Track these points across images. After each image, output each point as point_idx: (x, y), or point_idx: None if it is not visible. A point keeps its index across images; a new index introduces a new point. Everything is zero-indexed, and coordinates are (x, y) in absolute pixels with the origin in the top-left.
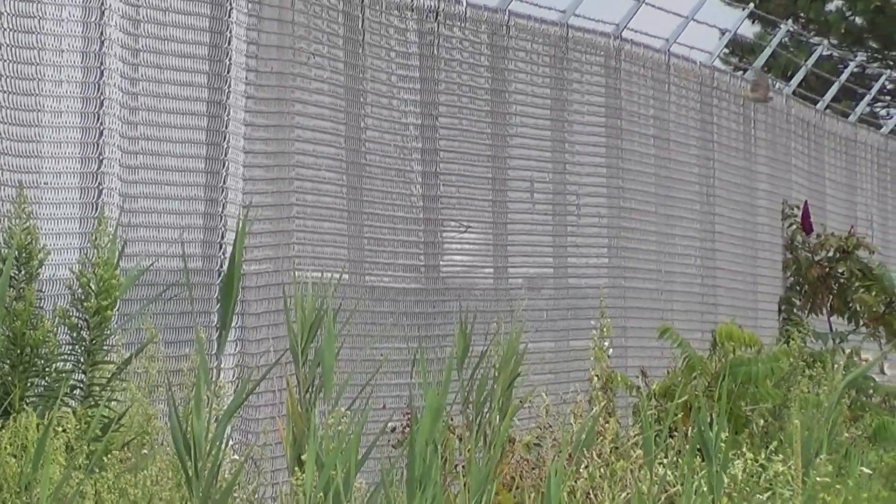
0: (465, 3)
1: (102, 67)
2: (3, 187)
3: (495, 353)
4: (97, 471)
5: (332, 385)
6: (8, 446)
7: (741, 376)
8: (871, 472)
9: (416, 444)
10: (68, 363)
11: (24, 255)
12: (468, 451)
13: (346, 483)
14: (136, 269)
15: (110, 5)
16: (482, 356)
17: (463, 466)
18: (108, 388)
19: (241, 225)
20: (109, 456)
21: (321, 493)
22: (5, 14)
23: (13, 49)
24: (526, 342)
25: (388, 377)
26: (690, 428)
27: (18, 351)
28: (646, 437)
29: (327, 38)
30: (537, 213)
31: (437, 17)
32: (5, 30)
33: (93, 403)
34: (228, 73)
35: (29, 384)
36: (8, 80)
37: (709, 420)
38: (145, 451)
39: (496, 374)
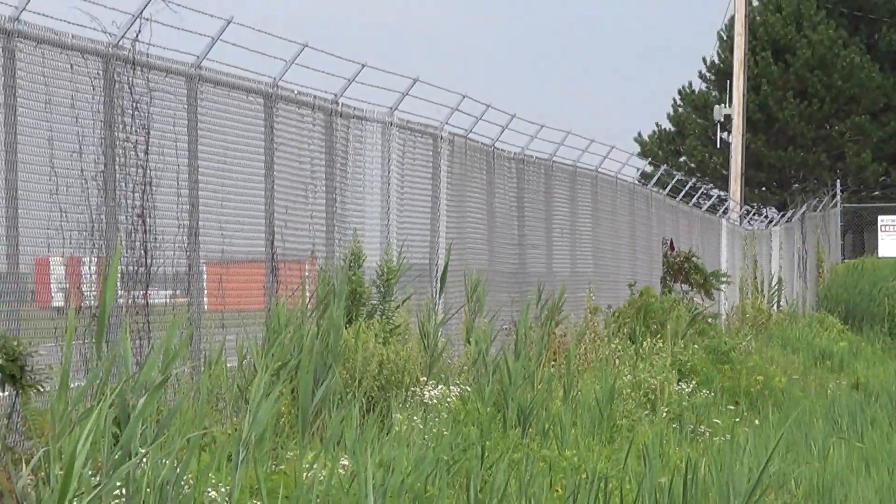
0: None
1: (388, 192)
2: (346, 232)
3: (560, 297)
4: (384, 344)
5: None
6: (362, 333)
7: (650, 306)
8: (699, 348)
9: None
10: (374, 301)
11: (355, 258)
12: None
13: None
14: (403, 267)
15: (391, 176)
16: (548, 300)
17: None
18: (393, 313)
19: (448, 247)
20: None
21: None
22: (350, 177)
23: (352, 188)
24: (565, 296)
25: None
26: (627, 328)
27: (356, 296)
28: (609, 331)
29: (474, 181)
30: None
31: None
32: (348, 181)
33: (385, 321)
34: (439, 184)
35: (359, 310)
36: (352, 194)
37: (634, 326)
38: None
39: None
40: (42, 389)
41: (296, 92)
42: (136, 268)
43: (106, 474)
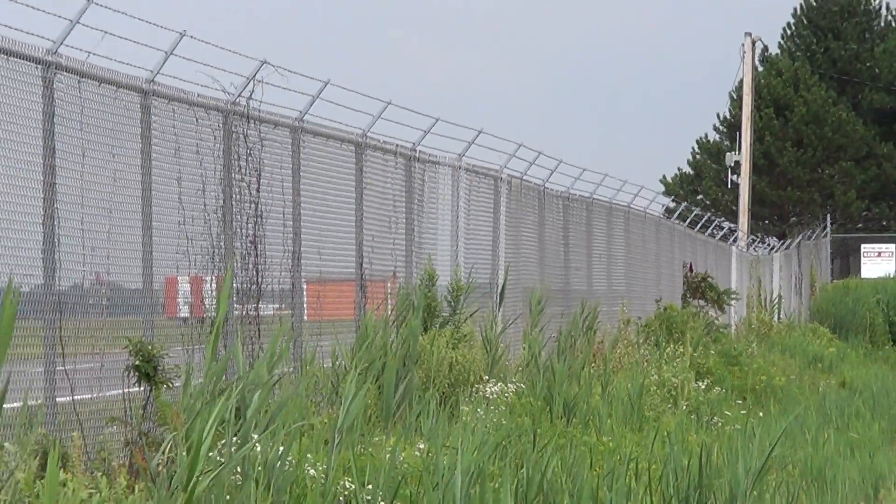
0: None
1: (457, 223)
2: (422, 256)
3: (597, 311)
4: (453, 349)
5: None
6: (435, 340)
7: (673, 318)
8: (713, 352)
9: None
10: (445, 314)
11: (430, 278)
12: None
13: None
14: (470, 285)
15: (459, 210)
16: (589, 313)
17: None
18: (462, 324)
19: (505, 269)
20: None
21: None
22: (426, 211)
23: (427, 219)
24: (602, 309)
25: (555, 316)
26: (654, 336)
27: (430, 309)
28: (638, 339)
29: (527, 214)
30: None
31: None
32: (423, 214)
33: (455, 329)
34: (498, 218)
35: (433, 321)
36: (427, 225)
37: (659, 335)
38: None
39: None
40: (171, 386)
41: (381, 141)
42: (248, 285)
43: (225, 455)
